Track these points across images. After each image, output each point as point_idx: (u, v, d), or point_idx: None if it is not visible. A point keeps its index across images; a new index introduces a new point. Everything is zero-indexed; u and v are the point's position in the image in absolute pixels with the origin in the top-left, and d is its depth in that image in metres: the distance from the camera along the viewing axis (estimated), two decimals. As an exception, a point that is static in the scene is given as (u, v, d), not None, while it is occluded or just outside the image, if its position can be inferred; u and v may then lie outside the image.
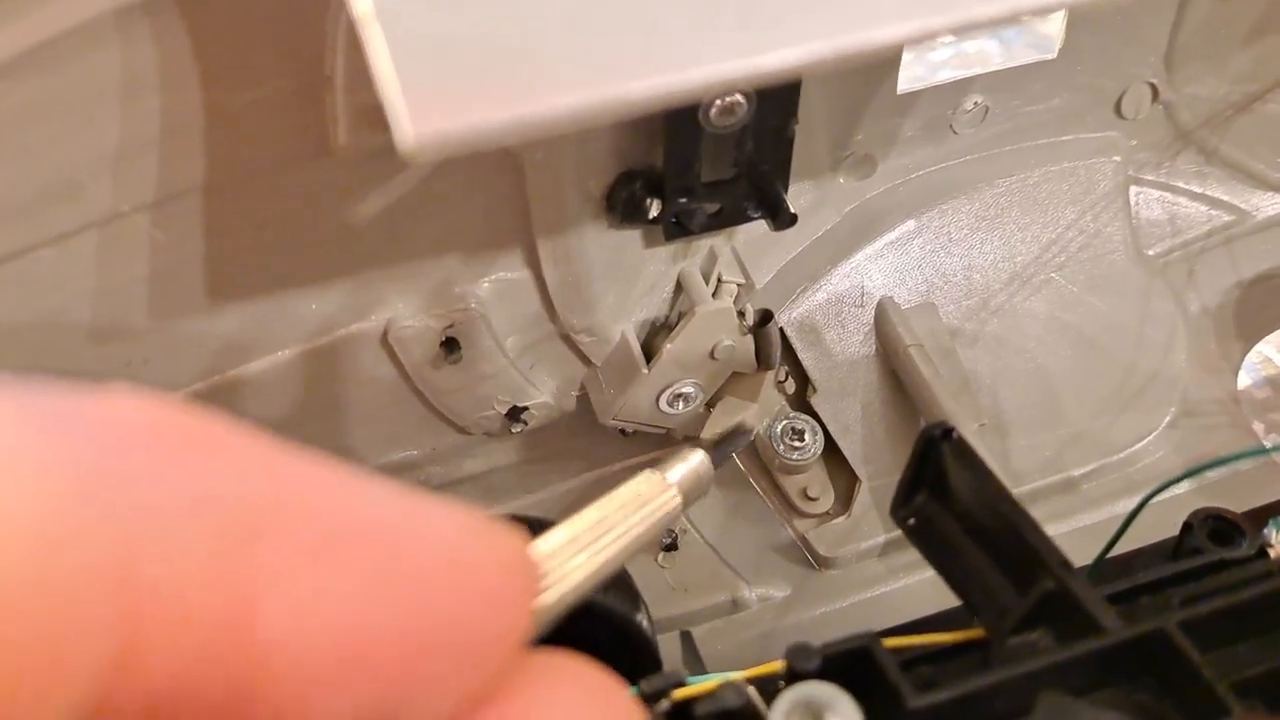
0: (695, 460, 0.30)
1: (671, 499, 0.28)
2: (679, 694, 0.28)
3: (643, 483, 0.27)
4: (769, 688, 0.28)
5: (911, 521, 0.34)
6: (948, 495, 0.33)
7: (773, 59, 0.21)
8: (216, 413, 0.13)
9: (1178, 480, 0.40)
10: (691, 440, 0.55)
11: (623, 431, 0.57)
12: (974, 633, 0.31)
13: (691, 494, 0.29)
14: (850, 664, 0.28)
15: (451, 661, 0.14)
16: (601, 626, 0.36)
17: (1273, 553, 0.37)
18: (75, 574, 0.11)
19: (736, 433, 0.48)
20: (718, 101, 0.42)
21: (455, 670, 0.14)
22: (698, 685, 0.28)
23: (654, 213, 0.47)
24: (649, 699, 0.28)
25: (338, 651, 0.13)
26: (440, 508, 0.15)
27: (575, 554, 0.21)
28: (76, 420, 0.12)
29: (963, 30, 0.22)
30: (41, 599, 0.11)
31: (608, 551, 0.23)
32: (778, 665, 0.28)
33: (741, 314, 0.53)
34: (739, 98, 0.42)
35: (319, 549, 0.13)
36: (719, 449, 0.33)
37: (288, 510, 0.13)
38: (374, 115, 0.38)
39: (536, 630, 0.15)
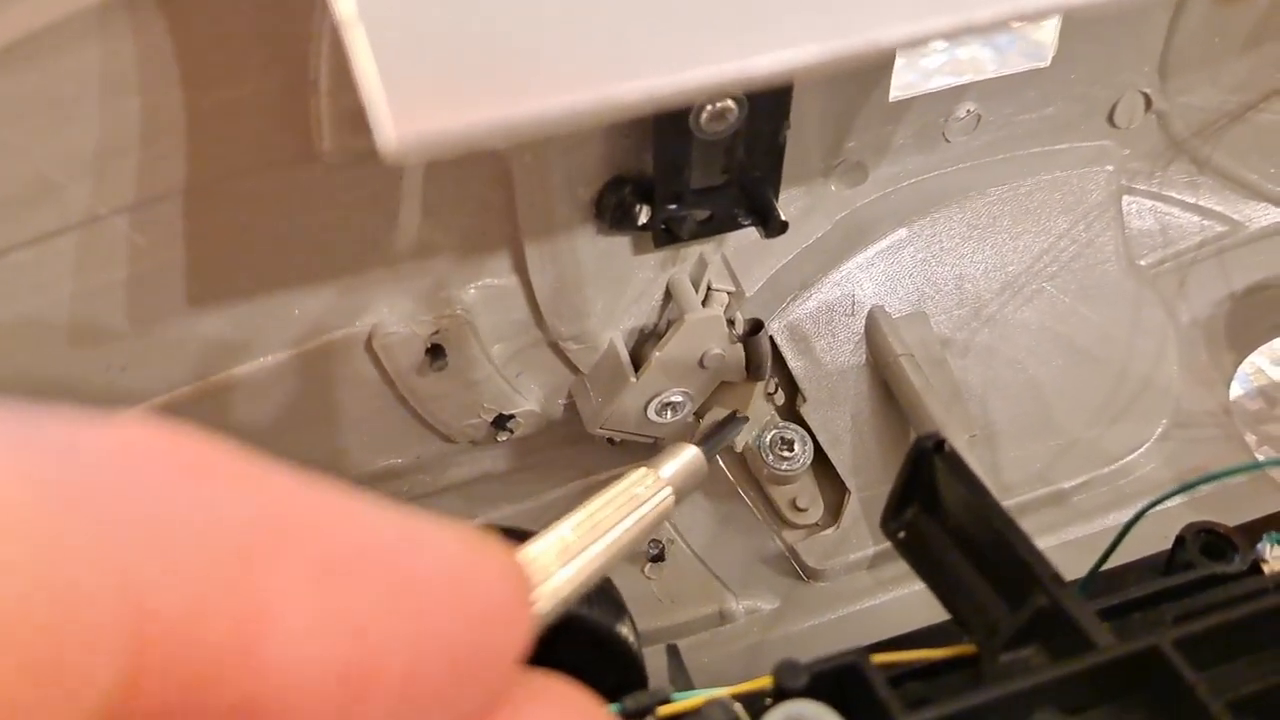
0: (688, 455, 0.29)
1: (665, 497, 0.27)
2: (664, 711, 0.28)
3: (635, 481, 0.27)
4: (756, 704, 0.27)
5: (902, 535, 0.33)
6: (939, 508, 0.32)
7: (769, 61, 0.21)
8: (221, 438, 0.13)
9: (1170, 495, 0.40)
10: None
11: (610, 440, 0.56)
12: (964, 649, 0.30)
13: (684, 490, 0.28)
14: (839, 681, 0.27)
15: (455, 681, 0.14)
16: (585, 639, 0.35)
17: (1267, 568, 0.36)
18: (80, 598, 0.11)
19: (728, 423, 0.47)
20: (709, 107, 0.42)
21: (458, 690, 0.14)
22: (683, 702, 0.28)
23: (643, 219, 0.47)
24: (633, 716, 0.27)
25: (343, 675, 0.13)
26: (437, 526, 0.15)
27: (568, 559, 0.21)
28: (79, 445, 0.12)
29: (962, 33, 0.21)
30: (45, 624, 0.10)
31: (601, 557, 0.22)
32: (765, 681, 0.27)
33: (731, 322, 0.52)
34: (730, 103, 0.42)
35: (324, 571, 0.13)
36: (711, 442, 0.32)
37: (293, 532, 0.13)
38: (358, 118, 0.37)
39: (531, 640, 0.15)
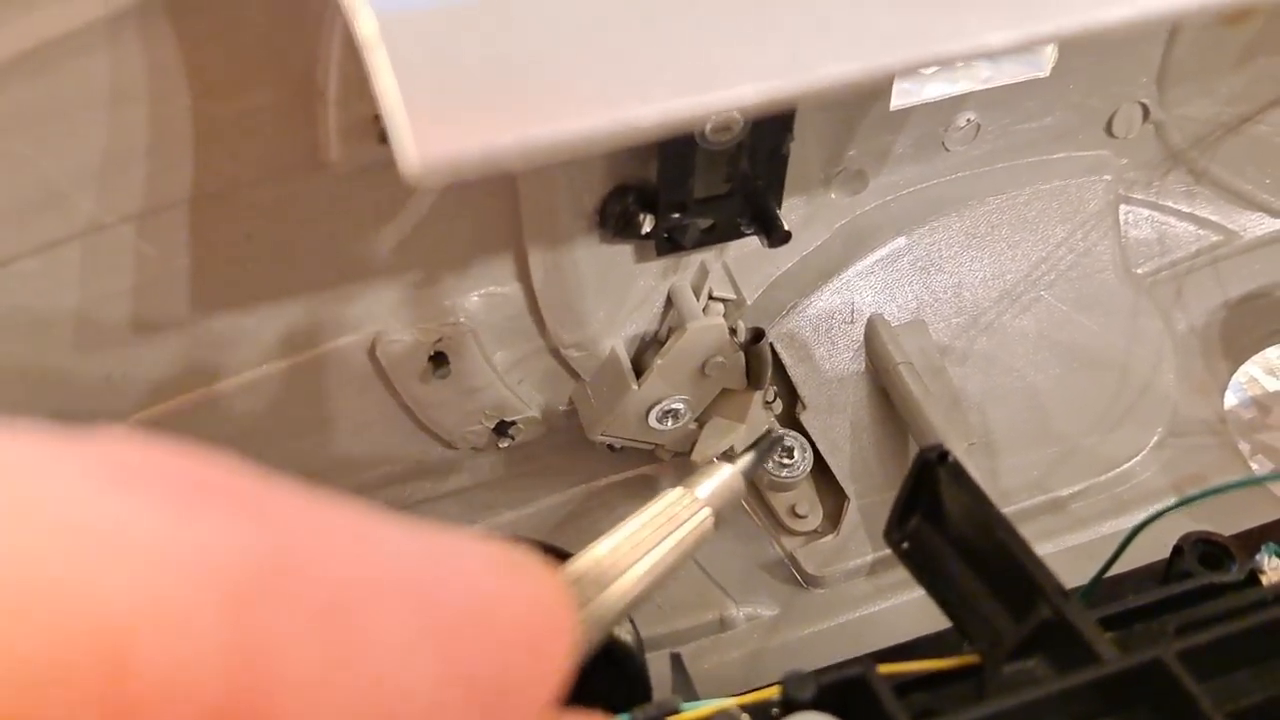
0: (726, 474, 0.28)
1: (704, 518, 0.26)
2: (672, 722, 0.28)
3: (673, 501, 0.25)
4: (762, 715, 0.27)
5: (905, 545, 0.33)
6: (942, 519, 0.32)
7: (786, 84, 0.21)
8: (219, 454, 0.12)
9: (1171, 509, 0.40)
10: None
11: (611, 447, 0.57)
12: (968, 659, 0.31)
13: (723, 510, 0.27)
14: (846, 692, 0.27)
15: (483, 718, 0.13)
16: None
17: (1265, 579, 0.36)
18: (54, 650, 0.10)
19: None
20: (713, 118, 0.42)
21: None
22: (691, 712, 0.28)
23: (647, 228, 0.47)
24: (642, 727, 0.27)
25: None
26: (468, 544, 0.13)
27: (608, 583, 0.20)
28: (60, 466, 0.11)
29: (969, 58, 0.22)
30: (13, 681, 0.10)
31: (643, 581, 0.21)
32: (772, 692, 0.27)
33: (733, 330, 0.52)
34: (735, 114, 0.42)
35: (331, 610, 0.11)
36: (748, 461, 0.30)
37: (298, 564, 0.11)
38: (365, 129, 0.38)
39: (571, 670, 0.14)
